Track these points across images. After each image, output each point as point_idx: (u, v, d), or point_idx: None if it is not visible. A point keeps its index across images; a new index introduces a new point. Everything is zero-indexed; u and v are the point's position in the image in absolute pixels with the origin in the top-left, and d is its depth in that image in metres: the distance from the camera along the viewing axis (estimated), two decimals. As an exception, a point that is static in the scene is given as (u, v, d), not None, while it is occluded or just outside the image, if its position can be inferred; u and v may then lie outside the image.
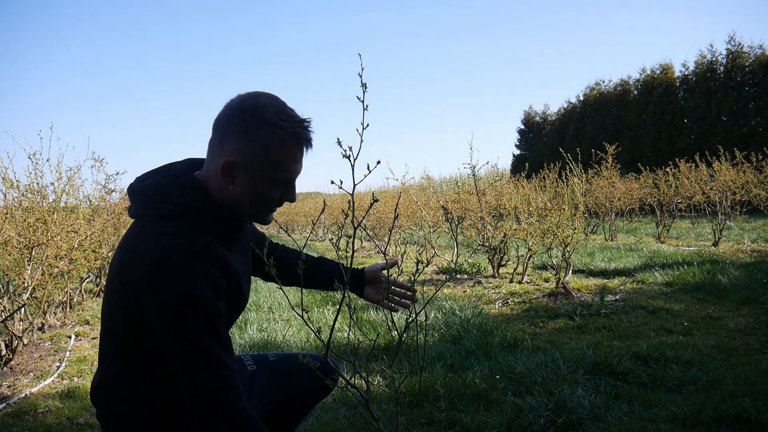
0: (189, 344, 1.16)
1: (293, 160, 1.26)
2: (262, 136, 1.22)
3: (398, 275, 1.78)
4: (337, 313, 1.38)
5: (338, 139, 1.29)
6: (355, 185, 1.34)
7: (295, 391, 1.71)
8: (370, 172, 1.31)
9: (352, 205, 1.34)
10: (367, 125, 1.32)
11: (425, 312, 1.79)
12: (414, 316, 1.54)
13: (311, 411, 1.85)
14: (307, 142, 1.28)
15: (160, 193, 1.25)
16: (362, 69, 1.31)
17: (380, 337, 4.00)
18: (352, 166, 1.30)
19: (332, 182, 1.38)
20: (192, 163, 1.37)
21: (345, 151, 1.30)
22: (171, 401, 1.30)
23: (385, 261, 1.81)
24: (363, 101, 1.32)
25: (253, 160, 1.24)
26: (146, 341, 1.24)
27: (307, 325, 1.45)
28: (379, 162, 1.33)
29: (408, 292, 1.77)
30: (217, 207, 1.28)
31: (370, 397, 1.48)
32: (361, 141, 1.31)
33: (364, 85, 1.31)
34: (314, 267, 1.73)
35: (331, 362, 1.59)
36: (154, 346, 1.23)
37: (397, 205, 1.55)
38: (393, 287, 1.75)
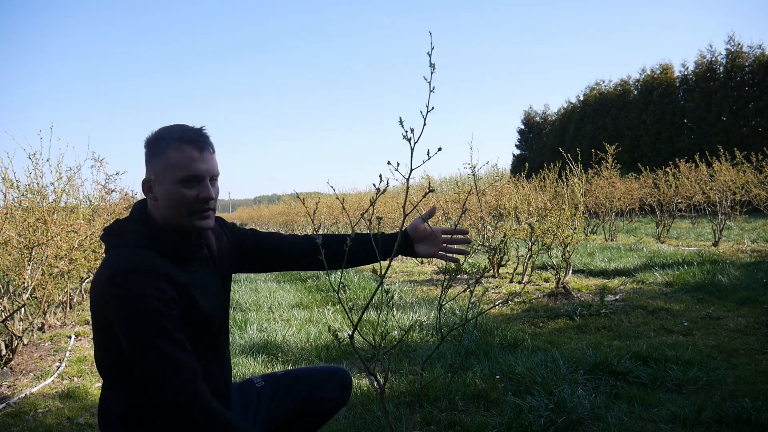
0: (141, 344, 1.33)
1: (190, 159, 1.43)
2: (160, 151, 1.46)
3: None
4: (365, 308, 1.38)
5: (400, 118, 1.31)
6: (412, 170, 1.37)
7: (304, 396, 1.74)
8: (429, 158, 1.32)
9: (406, 193, 1.36)
10: (432, 108, 1.31)
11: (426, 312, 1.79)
12: (415, 317, 1.53)
13: (328, 418, 1.83)
14: (195, 140, 1.45)
15: (117, 229, 1.48)
16: (432, 48, 1.27)
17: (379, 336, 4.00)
18: (412, 150, 1.31)
19: (388, 162, 1.39)
20: (146, 202, 1.56)
21: (405, 132, 1.34)
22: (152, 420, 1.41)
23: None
24: (430, 82, 1.29)
25: (159, 171, 1.45)
26: (121, 361, 1.39)
27: (342, 306, 1.45)
28: (440, 149, 1.34)
29: (460, 236, 1.75)
30: (160, 230, 1.47)
31: (384, 389, 1.49)
32: (424, 125, 1.31)
33: (432, 65, 1.28)
34: (355, 244, 1.72)
35: (346, 371, 1.62)
36: (128, 365, 1.37)
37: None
38: (443, 235, 1.74)
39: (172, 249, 1.45)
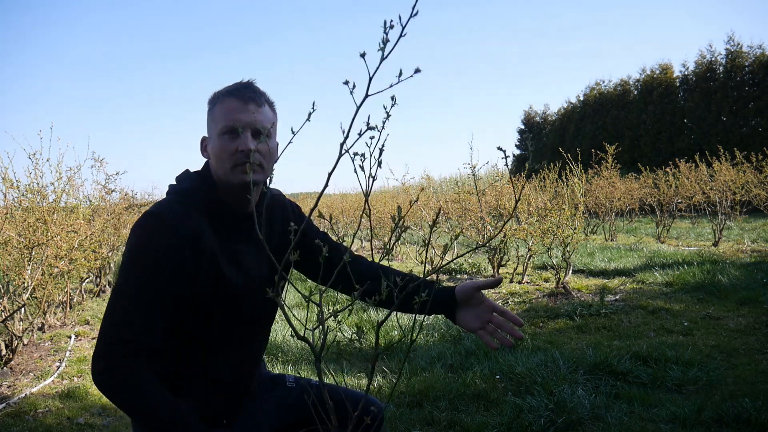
0: (119, 288, 1.27)
1: (230, 111, 1.37)
2: (211, 108, 1.42)
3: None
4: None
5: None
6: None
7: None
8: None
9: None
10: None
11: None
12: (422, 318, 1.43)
13: None
14: (238, 91, 1.39)
15: (177, 179, 1.44)
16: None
17: (380, 337, 4.00)
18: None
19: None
20: None
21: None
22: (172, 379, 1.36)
23: (478, 279, 1.51)
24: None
25: (209, 127, 1.43)
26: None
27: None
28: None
29: (512, 324, 1.42)
30: (213, 187, 1.40)
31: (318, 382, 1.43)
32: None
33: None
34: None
35: (376, 402, 1.51)
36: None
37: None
38: (493, 312, 1.43)
39: (219, 209, 1.39)
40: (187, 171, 1.46)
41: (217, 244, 1.36)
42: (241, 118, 1.36)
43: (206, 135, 1.45)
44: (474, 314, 1.45)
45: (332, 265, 1.45)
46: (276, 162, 1.41)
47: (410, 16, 0.94)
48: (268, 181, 1.15)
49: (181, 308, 1.33)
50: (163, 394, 1.24)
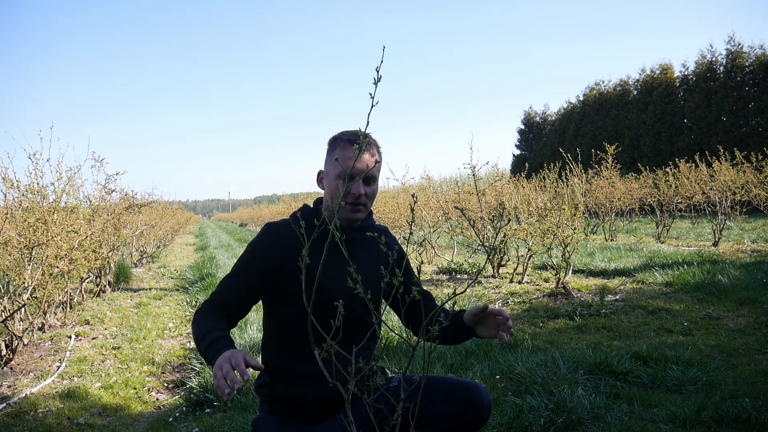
0: (233, 266, 1.76)
1: (346, 158, 1.66)
2: (332, 149, 1.73)
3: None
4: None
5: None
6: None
7: (421, 408, 1.59)
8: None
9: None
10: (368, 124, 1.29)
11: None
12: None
13: None
14: (356, 142, 1.64)
15: (304, 205, 1.81)
16: (381, 62, 1.22)
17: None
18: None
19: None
20: None
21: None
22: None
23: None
24: (373, 96, 1.24)
25: (328, 166, 1.73)
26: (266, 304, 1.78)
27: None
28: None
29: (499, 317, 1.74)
30: (315, 212, 1.74)
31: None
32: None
33: (376, 80, 1.22)
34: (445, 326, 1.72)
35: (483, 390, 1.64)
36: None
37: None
38: (496, 317, 1.74)
39: (324, 230, 1.66)
40: (306, 204, 1.81)
41: (309, 251, 1.58)
42: (355, 166, 1.65)
43: (322, 169, 1.76)
44: (487, 326, 1.76)
45: (416, 307, 1.85)
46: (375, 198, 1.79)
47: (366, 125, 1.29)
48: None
49: (273, 293, 1.70)
50: (211, 320, 1.60)
